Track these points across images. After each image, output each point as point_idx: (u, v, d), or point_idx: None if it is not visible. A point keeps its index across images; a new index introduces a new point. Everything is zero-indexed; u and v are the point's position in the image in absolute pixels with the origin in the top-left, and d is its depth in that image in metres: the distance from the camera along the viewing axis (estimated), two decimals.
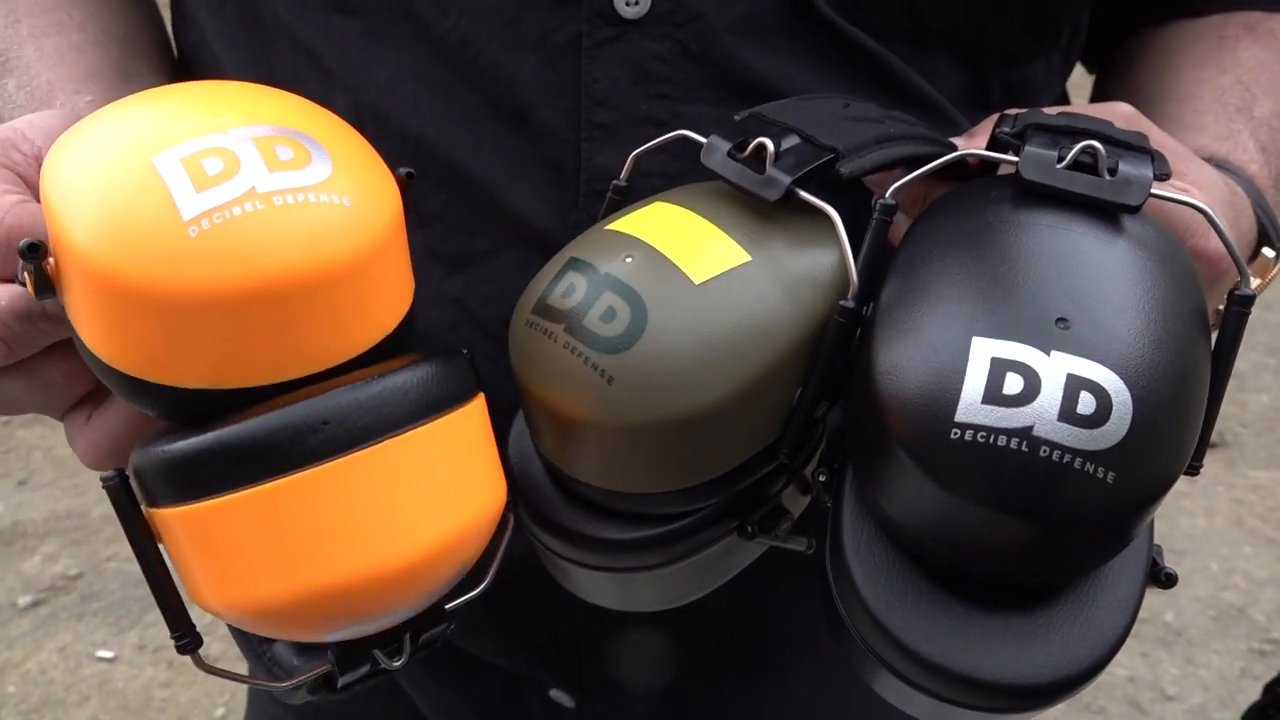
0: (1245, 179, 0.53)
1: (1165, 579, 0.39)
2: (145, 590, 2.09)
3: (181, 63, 0.61)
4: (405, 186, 0.40)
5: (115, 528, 2.22)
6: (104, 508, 2.26)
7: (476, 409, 0.40)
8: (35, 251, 0.36)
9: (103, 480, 0.37)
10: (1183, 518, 2.21)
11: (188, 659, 0.39)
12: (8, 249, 0.38)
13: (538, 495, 0.43)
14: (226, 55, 0.55)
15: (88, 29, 0.56)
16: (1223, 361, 0.38)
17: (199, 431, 0.35)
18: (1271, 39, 0.60)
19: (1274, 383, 2.69)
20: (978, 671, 0.35)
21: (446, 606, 0.42)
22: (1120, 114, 0.45)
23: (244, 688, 1.91)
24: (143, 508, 0.37)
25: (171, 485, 0.36)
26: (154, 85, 0.56)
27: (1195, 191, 0.43)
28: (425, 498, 0.37)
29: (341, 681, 0.40)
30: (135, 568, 2.33)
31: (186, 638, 0.39)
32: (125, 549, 2.17)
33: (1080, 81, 0.64)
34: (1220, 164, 0.53)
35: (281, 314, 0.35)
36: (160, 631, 1.95)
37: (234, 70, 0.55)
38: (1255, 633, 1.97)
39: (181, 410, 0.37)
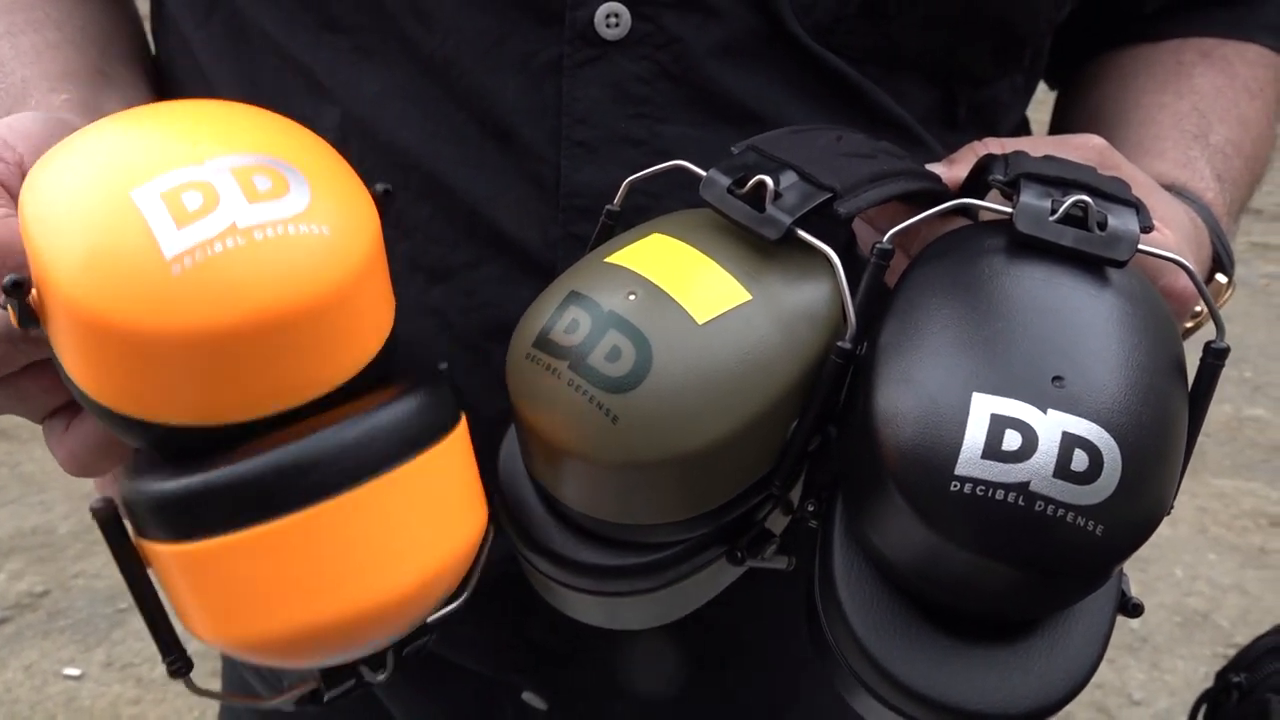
0: (1202, 206, 0.55)
1: (1132, 609, 0.40)
2: (112, 608, 2.08)
3: (161, 69, 0.61)
4: (383, 204, 0.40)
5: (82, 544, 2.20)
6: (71, 524, 2.24)
7: (458, 436, 0.40)
8: (19, 288, 0.35)
9: (92, 508, 0.37)
10: None
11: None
12: None
13: (528, 518, 0.44)
14: (212, 67, 0.56)
15: (65, 27, 0.56)
16: (1198, 408, 0.39)
17: (187, 471, 0.35)
18: (1226, 65, 0.62)
19: (1236, 393, 2.73)
20: (961, 701, 0.37)
21: (429, 620, 0.42)
22: (1094, 147, 0.46)
23: (214, 705, 1.89)
24: (131, 534, 0.38)
25: (160, 524, 0.36)
26: (130, 85, 0.56)
27: (1168, 233, 0.45)
28: (413, 532, 0.37)
29: (327, 696, 0.41)
30: (102, 584, 2.30)
31: (179, 662, 0.39)
32: (92, 566, 2.15)
33: (1041, 99, 0.66)
34: (1179, 191, 0.55)
35: (266, 350, 0.35)
36: (128, 649, 1.93)
37: (219, 80, 0.56)
38: (1220, 638, 2.00)
39: (168, 444, 0.37)
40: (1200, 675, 1.92)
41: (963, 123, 0.56)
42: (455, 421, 0.40)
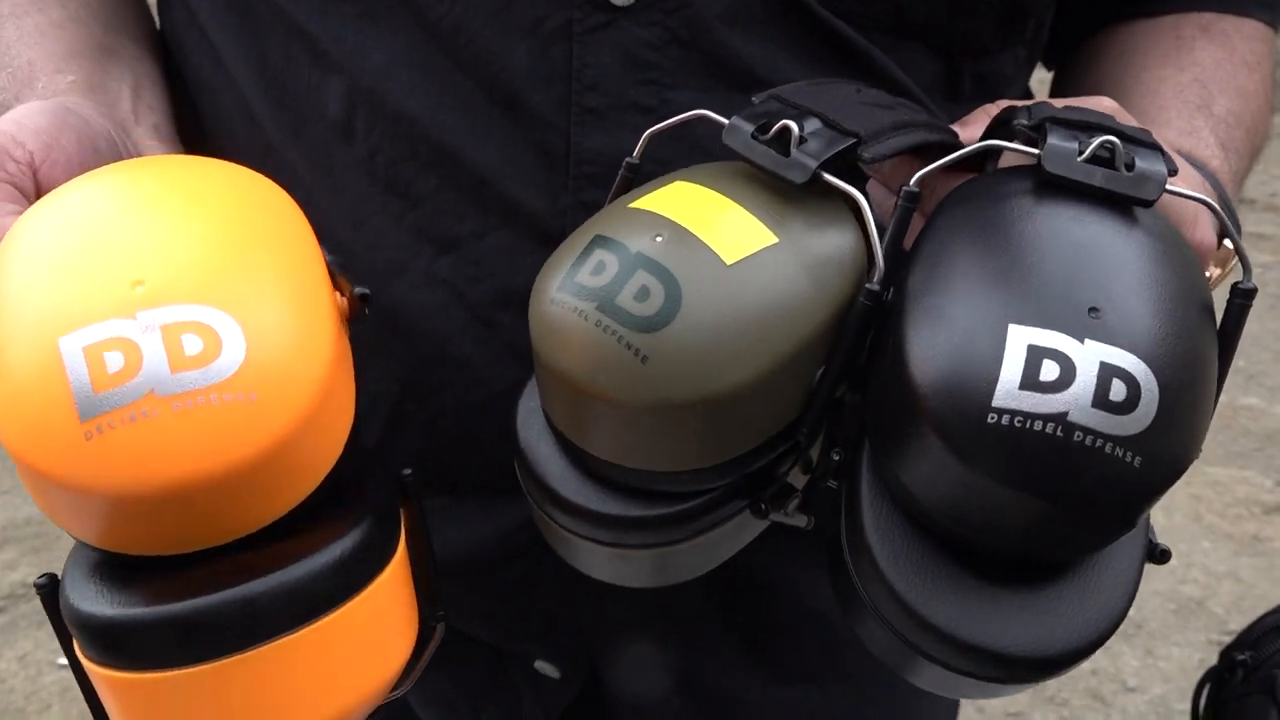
0: (1209, 173, 0.55)
1: (1160, 555, 0.40)
2: None
3: (166, 41, 0.61)
4: (357, 308, 0.41)
5: None
6: None
7: (387, 579, 0.40)
8: None
9: (35, 585, 0.39)
10: None
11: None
12: None
13: (549, 474, 0.43)
14: (219, 38, 0.55)
15: (69, 4, 0.56)
16: (1226, 349, 0.40)
17: (110, 590, 0.37)
18: (1225, 39, 0.62)
19: (1229, 382, 2.73)
20: (993, 643, 0.37)
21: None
22: (1106, 108, 0.46)
23: None
24: None
25: (78, 636, 0.37)
26: (135, 58, 0.57)
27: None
28: (321, 682, 0.38)
29: None
30: None
31: None
32: None
33: (1036, 90, 0.66)
34: (1185, 159, 0.55)
35: (176, 511, 0.36)
36: None
37: (226, 53, 0.55)
38: (1213, 625, 2.01)
39: (92, 548, 0.38)
40: (1195, 662, 1.93)
41: (967, 95, 0.56)
42: (385, 562, 0.40)
